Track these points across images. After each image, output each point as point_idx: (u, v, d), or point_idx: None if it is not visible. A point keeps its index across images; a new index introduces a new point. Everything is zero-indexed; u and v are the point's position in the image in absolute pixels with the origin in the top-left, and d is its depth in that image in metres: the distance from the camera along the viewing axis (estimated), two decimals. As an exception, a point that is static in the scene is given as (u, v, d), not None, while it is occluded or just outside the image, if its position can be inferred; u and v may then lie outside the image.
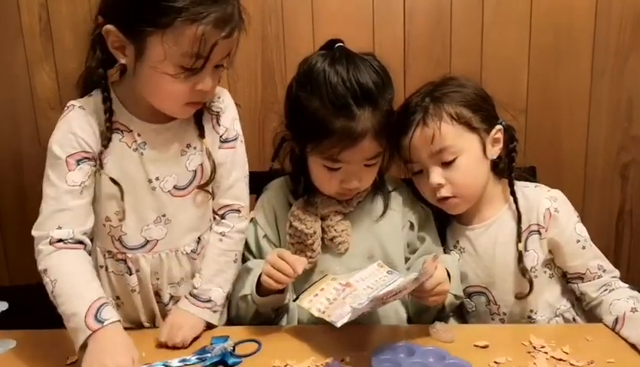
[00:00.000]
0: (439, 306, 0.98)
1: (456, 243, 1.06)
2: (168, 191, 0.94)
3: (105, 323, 0.81)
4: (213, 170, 0.97)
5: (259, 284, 0.96)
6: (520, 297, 1.00)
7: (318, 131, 0.91)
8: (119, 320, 0.83)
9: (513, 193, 1.01)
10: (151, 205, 0.94)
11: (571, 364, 0.84)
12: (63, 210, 0.87)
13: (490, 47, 1.44)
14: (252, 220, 1.06)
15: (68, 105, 0.92)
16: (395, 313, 1.02)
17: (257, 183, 1.18)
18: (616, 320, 0.92)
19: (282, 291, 0.95)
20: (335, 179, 0.96)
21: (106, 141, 0.91)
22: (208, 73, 0.87)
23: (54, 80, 1.53)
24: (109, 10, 0.86)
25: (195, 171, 0.96)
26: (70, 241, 0.87)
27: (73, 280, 0.84)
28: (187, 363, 0.87)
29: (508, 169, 1.03)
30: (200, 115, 0.97)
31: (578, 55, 1.45)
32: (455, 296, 0.99)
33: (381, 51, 1.44)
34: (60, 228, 0.86)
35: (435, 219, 1.08)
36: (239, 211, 1.00)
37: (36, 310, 1.17)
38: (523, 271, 0.98)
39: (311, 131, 0.93)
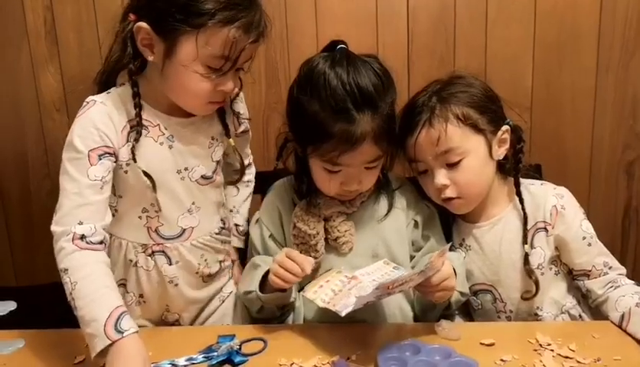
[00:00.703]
0: (445, 304, 0.97)
1: (462, 241, 1.06)
2: (196, 181, 0.99)
3: (124, 334, 0.80)
4: (242, 168, 1.07)
5: (263, 281, 0.96)
6: (527, 297, 0.99)
7: (318, 134, 0.91)
8: (137, 331, 0.83)
9: (519, 194, 1.00)
10: (184, 194, 0.97)
11: (578, 361, 0.83)
12: (84, 205, 0.87)
13: (494, 44, 1.44)
14: (257, 220, 1.07)
15: (88, 100, 0.93)
16: (400, 311, 1.02)
17: (262, 183, 1.18)
18: (622, 316, 0.92)
19: (285, 290, 0.96)
20: (335, 181, 0.96)
21: (137, 135, 0.92)
22: (231, 75, 0.91)
23: (59, 82, 1.54)
24: (143, 8, 0.89)
25: (219, 162, 1.03)
26: (92, 238, 0.86)
27: (93, 286, 0.84)
28: (194, 362, 0.88)
29: (514, 169, 1.02)
30: (224, 114, 1.02)
31: (582, 52, 1.44)
32: (461, 293, 0.99)
33: (385, 49, 1.45)
34: (81, 223, 0.86)
35: (440, 216, 1.07)
36: (251, 163, 1.18)
37: (41, 310, 1.18)
38: (529, 272, 0.98)
39: (310, 134, 0.93)
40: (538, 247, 0.99)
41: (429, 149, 0.98)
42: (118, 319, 0.81)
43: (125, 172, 0.94)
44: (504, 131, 1.00)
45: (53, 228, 0.87)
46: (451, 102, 0.97)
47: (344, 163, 0.93)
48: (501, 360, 0.84)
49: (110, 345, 0.79)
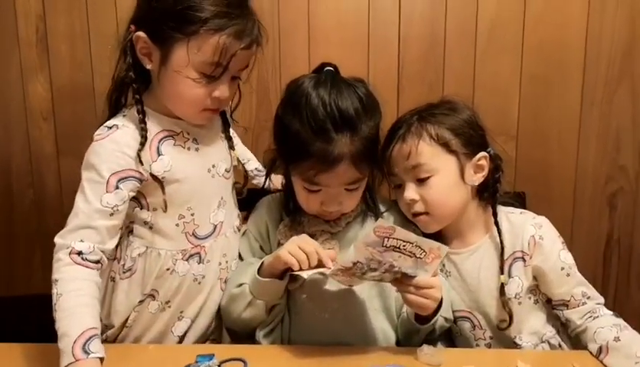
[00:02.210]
0: (429, 328, 0.97)
1: (442, 266, 1.06)
2: (222, 175, 1.03)
3: (89, 356, 0.81)
4: (246, 178, 1.12)
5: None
6: (502, 327, 1.00)
7: (297, 153, 0.92)
8: (103, 357, 0.83)
9: (496, 223, 1.01)
10: (214, 191, 1.01)
11: (558, 391, 0.84)
12: (89, 227, 0.89)
13: (482, 75, 1.47)
14: (245, 232, 1.07)
15: (109, 125, 0.94)
16: (383, 335, 1.02)
17: (250, 200, 1.18)
18: (600, 349, 0.92)
19: (281, 278, 0.95)
20: (315, 200, 0.96)
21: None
22: (226, 82, 0.94)
23: (48, 91, 1.53)
24: (141, 18, 0.93)
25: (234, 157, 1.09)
26: (89, 256, 0.89)
27: (75, 301, 0.85)
28: (171, 381, 0.86)
29: (492, 197, 1.03)
30: (227, 126, 1.08)
31: (568, 85, 1.48)
32: (446, 319, 0.99)
33: (376, 75, 1.47)
34: (82, 241, 0.89)
35: None
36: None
37: (17, 321, 1.15)
38: (504, 303, 0.98)
39: (291, 152, 0.94)
40: (516, 276, 1.00)
41: (400, 162, 1.00)
42: (88, 340, 0.82)
43: (163, 186, 0.94)
44: (482, 157, 1.01)
45: (57, 239, 0.90)
46: (428, 122, 1.00)
47: (323, 183, 0.93)
48: (482, 388, 0.84)
49: (74, 363, 0.79)
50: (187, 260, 0.99)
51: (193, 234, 0.99)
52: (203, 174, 1.00)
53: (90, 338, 0.82)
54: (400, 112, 1.48)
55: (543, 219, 1.03)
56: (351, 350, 0.95)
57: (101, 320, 0.95)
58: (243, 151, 1.22)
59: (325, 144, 0.90)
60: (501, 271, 0.99)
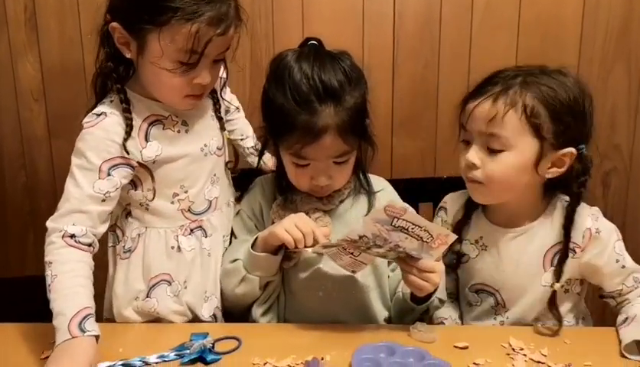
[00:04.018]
0: (423, 309, 0.98)
1: (479, 238, 1.01)
2: (214, 153, 1.03)
3: (85, 334, 0.82)
4: (236, 159, 1.11)
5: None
6: (546, 329, 0.93)
7: (283, 126, 0.92)
8: (99, 335, 0.84)
9: (567, 228, 0.92)
10: (207, 169, 1.02)
11: (549, 366, 0.84)
12: (81, 212, 0.90)
13: (478, 51, 1.45)
14: (238, 212, 1.07)
15: (97, 112, 0.93)
16: (377, 313, 1.03)
17: (244, 180, 1.17)
18: (626, 319, 0.91)
19: (275, 254, 0.95)
20: (304, 175, 0.96)
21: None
22: (205, 68, 0.92)
23: (38, 71, 1.51)
24: (115, 8, 0.92)
25: (226, 138, 1.08)
26: (82, 239, 0.90)
27: (70, 282, 0.86)
28: (165, 359, 0.86)
29: (572, 203, 0.94)
30: (218, 106, 1.06)
31: (564, 62, 1.44)
32: (440, 300, 1.00)
33: (370, 52, 1.46)
34: (74, 224, 0.90)
35: (465, 206, 1.03)
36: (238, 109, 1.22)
37: (12, 303, 1.15)
38: (554, 313, 0.94)
39: (277, 126, 0.95)
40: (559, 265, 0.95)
41: (479, 122, 0.91)
42: (84, 319, 0.83)
43: (154, 170, 0.95)
44: (568, 152, 0.90)
45: (49, 223, 0.90)
46: (530, 90, 0.88)
47: (310, 156, 0.93)
48: (474, 364, 0.85)
49: (69, 340, 0.80)
50: (190, 235, 1.00)
51: (189, 210, 1.00)
52: (195, 154, 0.99)
53: (86, 316, 0.83)
54: (395, 89, 1.49)
55: (598, 210, 0.97)
56: (345, 328, 0.96)
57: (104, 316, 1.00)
58: (243, 126, 1.21)
59: (309, 115, 0.89)
60: (557, 278, 0.93)
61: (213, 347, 0.88)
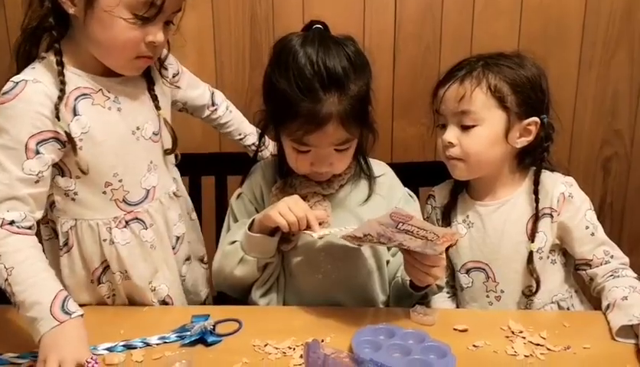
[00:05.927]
0: (421, 294, 0.98)
1: (466, 217, 1.06)
2: (150, 138, 0.98)
3: (72, 316, 0.80)
4: (175, 140, 1.02)
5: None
6: (528, 295, 1.01)
7: (285, 113, 0.91)
8: (83, 314, 0.82)
9: (536, 192, 1.00)
10: (141, 155, 0.96)
11: (548, 349, 0.85)
12: (14, 198, 0.84)
13: (480, 35, 1.44)
14: (239, 195, 1.06)
15: (16, 80, 0.85)
16: (375, 296, 1.03)
17: (244, 165, 1.16)
18: (608, 306, 0.93)
19: (272, 235, 0.95)
20: (305, 161, 0.95)
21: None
22: (160, 26, 0.88)
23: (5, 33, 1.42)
24: None
25: (164, 121, 1.01)
26: (22, 224, 0.85)
27: (31, 270, 0.82)
28: (167, 341, 0.87)
29: (535, 164, 1.02)
30: (152, 85, 0.99)
31: (566, 47, 1.45)
32: (438, 286, 1.01)
33: (371, 35, 1.44)
34: (9, 211, 0.84)
35: (451, 192, 1.09)
36: (214, 91, 1.17)
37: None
38: (531, 271, 0.99)
39: (279, 112, 0.93)
40: (541, 232, 1.01)
41: (450, 103, 1.00)
42: (64, 302, 0.81)
43: (80, 148, 0.89)
44: (532, 121, 1.00)
45: None
46: (491, 71, 0.98)
47: (311, 143, 0.92)
48: (474, 346, 0.86)
49: (59, 326, 0.79)
50: (125, 228, 0.95)
51: (123, 200, 0.95)
52: (127, 137, 0.94)
53: (65, 299, 0.81)
54: (396, 73, 1.48)
55: (572, 180, 1.04)
56: (344, 311, 0.96)
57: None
58: (239, 126, 1.18)
59: (313, 103, 0.88)
60: (531, 239, 1.00)
61: (214, 329, 0.89)
